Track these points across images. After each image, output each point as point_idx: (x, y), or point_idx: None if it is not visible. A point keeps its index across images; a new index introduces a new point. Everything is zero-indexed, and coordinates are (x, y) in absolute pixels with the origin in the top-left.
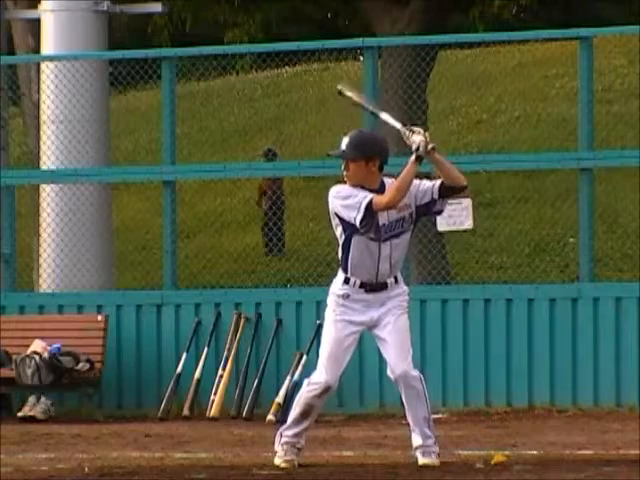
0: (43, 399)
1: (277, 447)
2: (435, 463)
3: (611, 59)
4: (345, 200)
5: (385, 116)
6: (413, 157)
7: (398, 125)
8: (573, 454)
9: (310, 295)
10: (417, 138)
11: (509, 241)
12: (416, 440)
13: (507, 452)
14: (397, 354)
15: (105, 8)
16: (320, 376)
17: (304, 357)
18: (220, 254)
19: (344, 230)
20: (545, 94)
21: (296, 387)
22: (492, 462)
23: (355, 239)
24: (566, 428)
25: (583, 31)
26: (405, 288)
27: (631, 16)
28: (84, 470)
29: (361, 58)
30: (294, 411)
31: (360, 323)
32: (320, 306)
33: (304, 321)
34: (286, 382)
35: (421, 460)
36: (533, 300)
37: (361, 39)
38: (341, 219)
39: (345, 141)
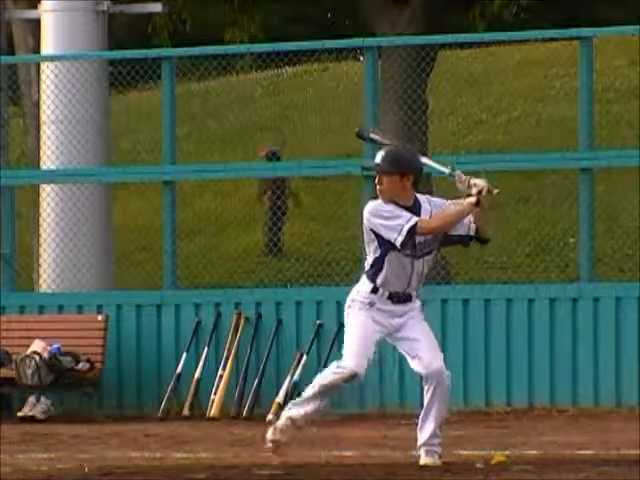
0: (43, 399)
1: (280, 421)
2: (437, 463)
3: (611, 59)
4: (387, 220)
5: (427, 160)
6: (474, 199)
7: (446, 170)
8: (573, 454)
9: (310, 295)
10: (481, 181)
11: (509, 241)
12: (423, 436)
13: (507, 452)
14: (431, 351)
15: (105, 8)
16: (348, 362)
17: (304, 357)
18: (220, 254)
19: (380, 246)
20: (545, 94)
21: (296, 387)
22: (492, 462)
23: (390, 255)
24: (566, 428)
25: (583, 31)
26: (419, 301)
27: (631, 16)
28: (84, 470)
29: (361, 58)
30: (310, 389)
31: (383, 325)
32: (320, 306)
33: (304, 321)
34: (286, 382)
35: (423, 459)
36: (533, 300)
37: (361, 39)
38: (378, 236)
39: (380, 155)
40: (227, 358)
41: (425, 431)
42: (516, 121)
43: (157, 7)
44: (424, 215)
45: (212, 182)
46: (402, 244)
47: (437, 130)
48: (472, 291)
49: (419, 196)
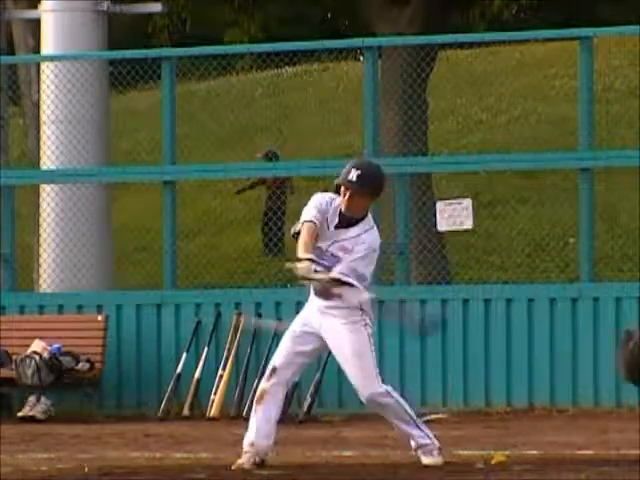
0: (43, 399)
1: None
2: (438, 461)
3: (611, 59)
4: (307, 208)
5: None
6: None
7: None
8: (573, 454)
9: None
10: (302, 268)
11: (509, 241)
12: (414, 442)
13: (507, 452)
14: (357, 379)
15: (105, 8)
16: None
17: None
18: (220, 254)
19: None
20: (545, 94)
21: (296, 387)
22: (492, 462)
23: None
24: (566, 428)
25: (583, 31)
26: (357, 316)
27: (631, 16)
28: (84, 470)
29: (361, 58)
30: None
31: (309, 320)
32: None
33: None
34: None
35: (424, 460)
36: (533, 300)
37: (361, 39)
38: None
39: (357, 173)
40: (227, 358)
41: (411, 438)
42: (516, 121)
43: (157, 7)
44: (349, 234)
45: (212, 182)
46: (292, 236)
47: (437, 130)
48: (472, 291)
49: (370, 223)
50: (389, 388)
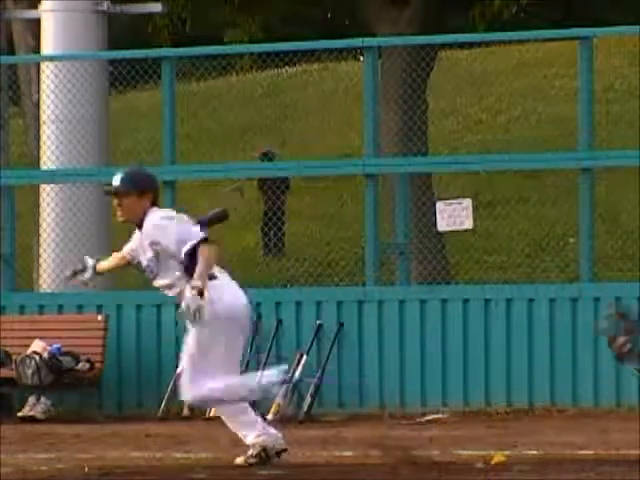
0: (43, 399)
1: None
2: (244, 462)
3: (611, 59)
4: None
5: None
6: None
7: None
8: (573, 454)
9: (310, 295)
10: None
11: (509, 241)
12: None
13: (507, 452)
14: (183, 379)
15: (105, 8)
16: None
17: (304, 357)
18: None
19: None
20: (545, 94)
21: (296, 387)
22: (492, 462)
23: None
24: (566, 428)
25: (583, 31)
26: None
27: (631, 16)
28: (84, 470)
29: (361, 58)
30: None
31: None
32: (320, 306)
33: (304, 321)
34: None
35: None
36: (533, 300)
37: (361, 39)
38: None
39: (119, 177)
40: None
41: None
42: (516, 121)
43: (157, 7)
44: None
45: (212, 182)
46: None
47: (437, 130)
48: (472, 291)
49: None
50: (202, 391)
